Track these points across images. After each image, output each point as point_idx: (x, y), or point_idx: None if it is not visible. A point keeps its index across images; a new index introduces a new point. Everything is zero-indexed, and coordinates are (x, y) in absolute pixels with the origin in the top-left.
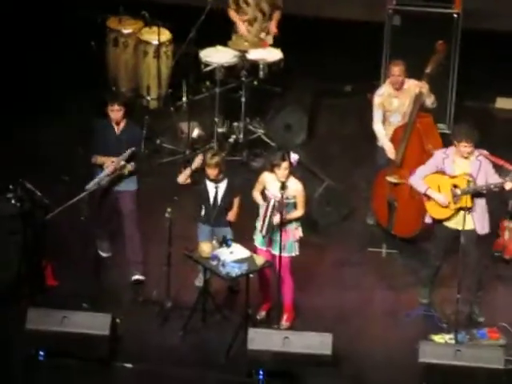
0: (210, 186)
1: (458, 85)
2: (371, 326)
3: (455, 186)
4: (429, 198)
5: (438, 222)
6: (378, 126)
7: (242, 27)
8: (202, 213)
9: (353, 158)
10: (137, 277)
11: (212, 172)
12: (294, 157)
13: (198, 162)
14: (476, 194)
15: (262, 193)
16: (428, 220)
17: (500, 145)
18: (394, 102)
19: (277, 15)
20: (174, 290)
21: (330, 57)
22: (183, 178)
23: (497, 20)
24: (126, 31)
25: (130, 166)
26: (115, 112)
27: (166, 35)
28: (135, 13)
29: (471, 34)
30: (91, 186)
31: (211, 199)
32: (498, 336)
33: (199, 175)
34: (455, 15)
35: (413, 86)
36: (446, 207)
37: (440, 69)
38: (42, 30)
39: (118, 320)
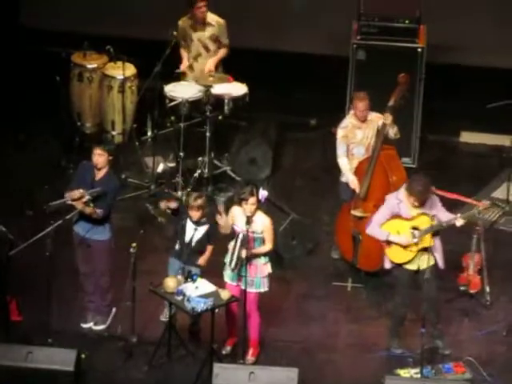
0: (190, 226)
1: (423, 118)
2: (337, 360)
3: (414, 228)
4: (389, 243)
5: (397, 266)
6: (342, 160)
7: (183, 63)
8: (176, 247)
9: (317, 192)
10: (99, 327)
11: (194, 214)
12: (263, 193)
13: (174, 203)
14: (435, 232)
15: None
16: (387, 265)
17: (464, 178)
18: (357, 133)
19: (221, 52)
20: (140, 325)
21: (295, 91)
22: (164, 205)
23: (461, 54)
24: (90, 66)
25: (95, 210)
26: (96, 156)
27: (130, 70)
28: (100, 47)
29: (435, 68)
30: (52, 204)
31: (187, 238)
32: (464, 370)
33: (182, 212)
34: (419, 49)
35: (376, 118)
36: (408, 250)
37: (403, 101)
38: (7, 64)
39: (82, 355)
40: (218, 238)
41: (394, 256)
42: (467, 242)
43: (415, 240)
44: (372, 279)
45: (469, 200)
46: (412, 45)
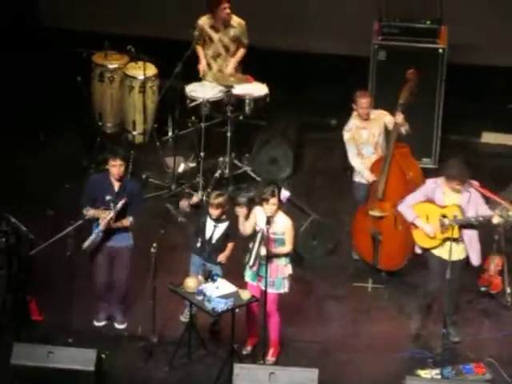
0: (210, 223)
1: (444, 119)
2: (357, 361)
3: (444, 216)
4: (416, 226)
5: (427, 251)
6: (355, 161)
7: (201, 63)
8: (198, 244)
9: (338, 192)
10: (119, 326)
11: (214, 211)
12: (285, 193)
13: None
14: (466, 226)
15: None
16: (418, 251)
17: (485, 179)
18: (363, 133)
19: (240, 53)
20: (160, 324)
21: (315, 91)
22: (184, 204)
23: (482, 54)
24: (111, 66)
25: (127, 221)
26: (117, 167)
27: (151, 70)
28: (121, 48)
29: (456, 69)
30: (87, 244)
31: (207, 236)
32: (484, 371)
33: (203, 210)
34: (440, 50)
35: (380, 115)
36: (433, 236)
37: (412, 97)
38: (29, 64)
39: (103, 355)
40: (238, 236)
41: (419, 239)
42: (489, 242)
43: (443, 228)
44: (393, 280)
45: (501, 200)
46: (433, 45)
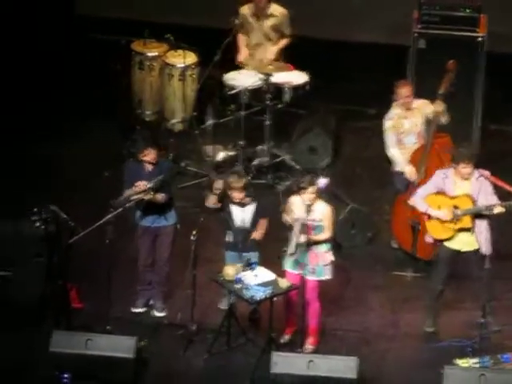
0: (236, 209)
1: (484, 108)
2: (396, 349)
3: (455, 207)
4: (429, 217)
5: (439, 242)
6: (393, 151)
7: (241, 52)
8: (229, 239)
9: (377, 181)
10: (159, 314)
11: (238, 195)
12: (324, 180)
13: (219, 183)
14: (478, 215)
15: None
16: (428, 239)
17: None
18: (404, 123)
19: (283, 42)
20: (199, 313)
21: (355, 79)
22: (212, 200)
23: None
24: (151, 54)
25: (160, 196)
26: (150, 155)
27: (191, 58)
28: (160, 36)
29: (496, 57)
30: (117, 201)
31: (238, 223)
32: None
33: (223, 200)
34: (480, 38)
35: (422, 104)
36: (446, 227)
37: (452, 88)
38: (67, 53)
39: (142, 343)
40: (270, 214)
41: (432, 230)
42: None
43: (455, 219)
44: (432, 269)
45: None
46: (473, 34)
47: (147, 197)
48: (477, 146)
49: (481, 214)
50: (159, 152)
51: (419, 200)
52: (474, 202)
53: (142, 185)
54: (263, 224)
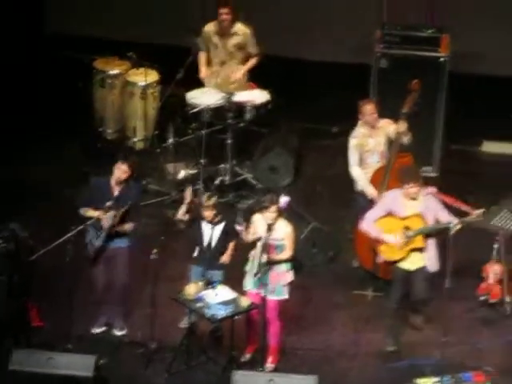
0: (206, 227)
1: (445, 128)
2: (356, 369)
3: (407, 228)
4: (381, 241)
5: (391, 264)
6: (356, 170)
7: (202, 70)
8: (195, 254)
9: (339, 200)
10: (119, 333)
11: (209, 214)
12: (285, 199)
13: (188, 194)
14: (428, 234)
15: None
16: (379, 259)
17: (485, 188)
18: (369, 142)
19: (252, 62)
20: (159, 331)
21: (317, 98)
22: (181, 213)
23: (484, 63)
24: (112, 72)
25: (129, 226)
26: (121, 171)
27: (152, 76)
28: (122, 53)
29: (458, 77)
30: (94, 247)
31: (206, 241)
32: (484, 379)
33: (193, 215)
34: (442, 58)
35: (386, 124)
36: (399, 249)
37: (416, 108)
38: (32, 71)
39: (102, 361)
40: (237, 236)
41: (385, 253)
42: (488, 251)
43: (407, 240)
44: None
45: (464, 207)
46: (435, 54)
47: (118, 228)
48: (438, 165)
49: (431, 233)
50: (129, 171)
51: (370, 225)
52: (424, 221)
53: (111, 215)
54: (232, 246)
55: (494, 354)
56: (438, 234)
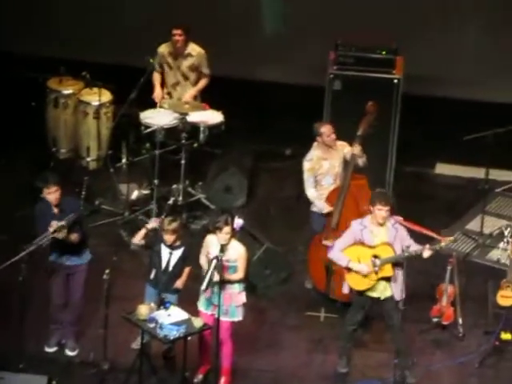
0: (165, 251)
1: (398, 150)
2: None
3: (375, 256)
4: (349, 269)
5: (357, 294)
6: (311, 192)
7: (156, 91)
8: (152, 276)
9: (292, 221)
10: (71, 353)
11: (169, 238)
12: (239, 222)
13: (153, 223)
14: (395, 263)
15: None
16: (345, 290)
17: (439, 210)
18: (324, 164)
19: (202, 83)
20: (112, 351)
21: (271, 120)
22: (138, 237)
23: (438, 86)
24: (66, 92)
25: (73, 236)
26: (53, 194)
27: (106, 96)
28: (76, 73)
29: (412, 99)
30: (34, 243)
31: (163, 264)
32: None
33: (154, 237)
34: (395, 80)
35: (340, 146)
36: (368, 278)
37: (371, 130)
38: None
39: (54, 382)
40: (193, 261)
41: (353, 283)
42: (441, 273)
43: (376, 269)
44: (346, 310)
45: (432, 234)
46: (388, 76)
47: (60, 235)
48: (391, 187)
49: (399, 261)
50: (59, 188)
51: (338, 253)
52: (392, 249)
53: (55, 224)
54: (187, 272)
55: (447, 376)
56: (401, 263)
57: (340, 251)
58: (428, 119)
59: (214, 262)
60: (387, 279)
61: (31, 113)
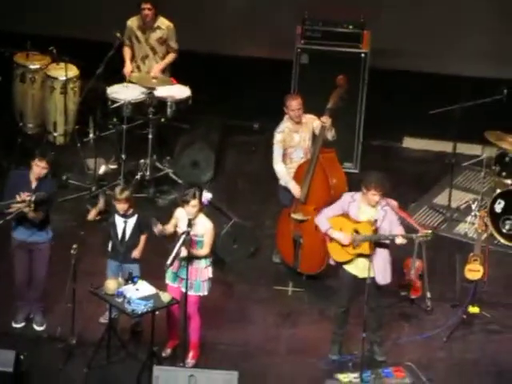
0: (119, 220)
1: (365, 124)
2: (277, 364)
3: (356, 231)
4: (331, 238)
5: (340, 265)
6: (279, 166)
7: (126, 67)
8: (110, 248)
9: (259, 196)
10: (38, 328)
11: (122, 207)
12: (207, 196)
13: (101, 202)
14: (378, 244)
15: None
16: (332, 262)
17: (406, 184)
18: (295, 137)
19: (169, 57)
20: (79, 326)
21: (238, 94)
22: (92, 215)
23: (405, 60)
24: (33, 67)
25: (39, 214)
26: (40, 168)
27: (73, 71)
28: (43, 48)
29: (379, 73)
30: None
31: (119, 234)
32: (404, 375)
33: (110, 209)
34: (363, 54)
35: (310, 119)
36: (345, 250)
37: (341, 103)
38: None
39: (22, 356)
40: (150, 229)
41: (332, 252)
42: (408, 247)
43: (354, 243)
44: (313, 283)
45: (413, 222)
46: (355, 50)
47: (26, 209)
48: (359, 161)
49: (380, 242)
50: (48, 168)
51: (323, 219)
52: (375, 229)
53: (25, 196)
54: (143, 239)
55: (414, 350)
56: (384, 244)
57: (325, 218)
58: (395, 93)
59: (183, 237)
60: (366, 257)
61: None
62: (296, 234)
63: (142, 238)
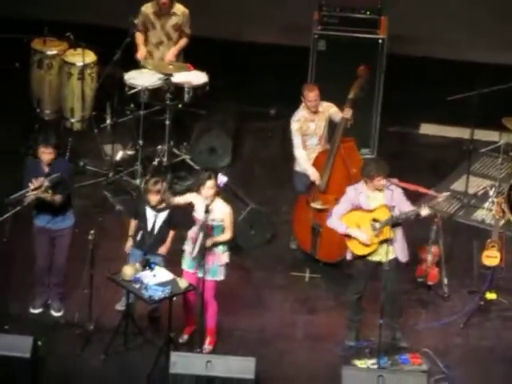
0: (150, 213)
1: (383, 110)
2: (294, 350)
3: (374, 220)
4: (349, 236)
5: (360, 259)
6: (300, 152)
7: (141, 51)
8: (138, 237)
9: (276, 181)
10: (56, 314)
11: (153, 198)
12: (222, 179)
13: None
14: (394, 224)
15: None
16: (349, 257)
17: (423, 170)
18: (310, 125)
19: (182, 42)
20: (97, 312)
21: (255, 80)
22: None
23: (422, 46)
24: (50, 53)
25: (57, 198)
26: (46, 154)
27: (90, 57)
28: (60, 34)
29: (396, 60)
30: (13, 197)
31: (149, 226)
32: (421, 361)
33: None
34: (380, 40)
35: (327, 107)
36: (369, 242)
37: (362, 93)
38: None
39: (39, 342)
40: (179, 225)
41: (355, 248)
42: (426, 233)
43: (375, 232)
44: (330, 270)
45: (428, 191)
46: (373, 36)
47: (44, 195)
48: (376, 147)
49: (398, 222)
50: (55, 151)
51: (336, 221)
52: (391, 211)
53: (39, 181)
54: (171, 236)
55: (432, 336)
56: (398, 223)
57: (338, 218)
58: (413, 79)
59: (202, 228)
60: (388, 241)
61: (15, 74)
62: (315, 223)
63: (170, 234)
